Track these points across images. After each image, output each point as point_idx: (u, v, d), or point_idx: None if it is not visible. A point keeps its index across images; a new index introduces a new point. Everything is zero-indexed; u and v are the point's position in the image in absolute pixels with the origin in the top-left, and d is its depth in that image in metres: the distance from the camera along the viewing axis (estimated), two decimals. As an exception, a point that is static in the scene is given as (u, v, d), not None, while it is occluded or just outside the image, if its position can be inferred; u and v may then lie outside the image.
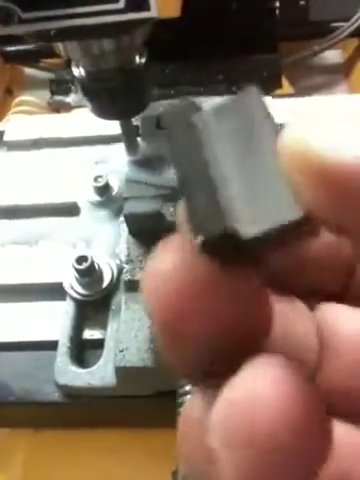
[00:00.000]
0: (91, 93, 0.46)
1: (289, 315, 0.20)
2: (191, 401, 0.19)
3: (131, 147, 0.53)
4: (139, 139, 0.54)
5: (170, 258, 0.17)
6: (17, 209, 0.65)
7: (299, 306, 0.20)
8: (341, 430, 0.19)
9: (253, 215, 0.16)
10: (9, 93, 1.03)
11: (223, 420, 0.15)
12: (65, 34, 0.38)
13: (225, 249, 0.16)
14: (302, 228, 0.16)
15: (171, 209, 0.51)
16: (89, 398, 0.51)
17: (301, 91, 1.10)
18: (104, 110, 0.47)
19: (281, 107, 0.69)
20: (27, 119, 0.75)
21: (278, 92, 0.88)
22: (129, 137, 0.52)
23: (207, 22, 0.89)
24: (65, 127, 0.72)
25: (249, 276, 0.17)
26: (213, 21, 0.90)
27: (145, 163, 0.53)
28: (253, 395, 0.15)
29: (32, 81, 1.04)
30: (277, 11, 0.93)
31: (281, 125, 0.16)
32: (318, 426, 0.16)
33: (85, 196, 0.62)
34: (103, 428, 0.55)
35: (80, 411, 0.54)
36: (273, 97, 0.85)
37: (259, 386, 0.15)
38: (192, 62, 0.87)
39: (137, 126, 0.55)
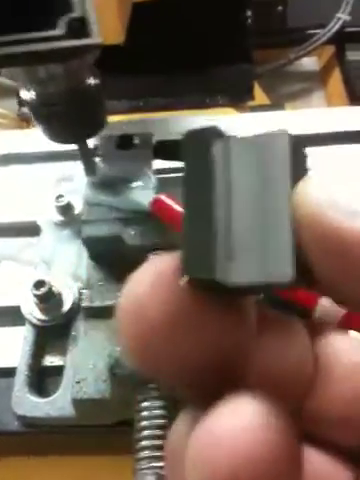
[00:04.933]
0: (42, 117, 0.44)
1: (279, 342, 0.19)
2: (180, 418, 0.20)
3: (89, 168, 0.51)
4: (98, 160, 0.53)
5: (148, 281, 0.17)
6: (-21, 229, 0.64)
7: (296, 332, 0.20)
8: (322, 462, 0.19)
9: (246, 264, 0.16)
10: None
11: (194, 450, 0.17)
12: (5, 61, 0.36)
13: (210, 287, 0.17)
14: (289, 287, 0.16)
15: (131, 232, 0.50)
16: (49, 427, 0.50)
17: (277, 99, 1.09)
18: (57, 134, 0.46)
19: (256, 121, 0.68)
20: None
21: (253, 103, 0.86)
22: (86, 158, 0.51)
23: (178, 32, 0.88)
24: (31, 142, 0.70)
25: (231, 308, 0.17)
26: (184, 31, 0.88)
27: (105, 185, 0.52)
28: (222, 433, 0.16)
29: (3, 89, 1.02)
30: (249, 21, 0.92)
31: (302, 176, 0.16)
32: (288, 469, 0.17)
33: (47, 215, 0.61)
34: (65, 455, 0.53)
35: (41, 439, 0.53)
36: (247, 109, 0.84)
37: (230, 425, 0.16)
38: (163, 73, 0.85)
39: (96, 146, 0.53)
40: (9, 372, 0.52)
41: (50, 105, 0.42)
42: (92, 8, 0.34)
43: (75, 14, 0.34)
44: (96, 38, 0.35)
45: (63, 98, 0.42)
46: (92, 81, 0.44)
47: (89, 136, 0.47)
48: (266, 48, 1.17)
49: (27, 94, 0.43)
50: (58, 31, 0.34)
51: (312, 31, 1.17)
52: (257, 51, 1.01)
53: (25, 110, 0.82)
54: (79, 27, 0.34)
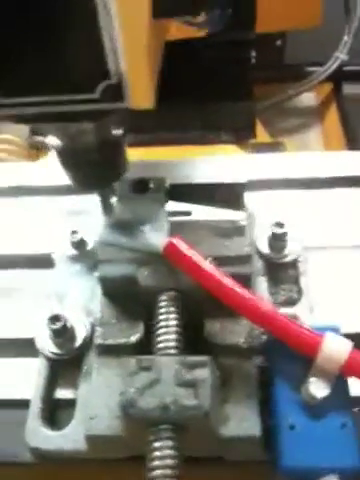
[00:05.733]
0: (70, 165, 0.47)
1: None
2: None
3: (107, 210, 0.54)
4: (115, 201, 0.55)
5: None
6: (-9, 260, 0.65)
7: None
8: None
9: None
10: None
11: None
12: (41, 118, 0.39)
13: None
14: None
15: (145, 273, 0.52)
16: (61, 460, 0.52)
17: (275, 134, 1.13)
18: (82, 180, 0.48)
19: (257, 162, 0.71)
20: (4, 166, 0.76)
21: (254, 141, 0.89)
22: (105, 201, 0.53)
23: (182, 68, 0.91)
24: (42, 175, 0.73)
25: None
26: (188, 67, 0.91)
27: (119, 226, 0.54)
28: None
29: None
30: (253, 60, 0.95)
31: None
32: None
33: (60, 249, 0.63)
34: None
35: (52, 470, 0.54)
36: (248, 146, 0.87)
37: None
38: (166, 108, 0.88)
39: (113, 189, 0.56)
40: (20, 403, 0.54)
41: (78, 155, 0.45)
42: (126, 75, 0.37)
43: (112, 81, 0.36)
44: (128, 103, 0.37)
45: (91, 149, 0.44)
46: (117, 132, 0.46)
47: (111, 182, 0.50)
48: (263, 83, 1.21)
49: (56, 142, 0.46)
50: (95, 95, 0.37)
51: (310, 68, 1.21)
52: (255, 86, 1.04)
53: (36, 138, 0.84)
54: (114, 93, 0.37)
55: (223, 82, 0.93)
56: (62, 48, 0.37)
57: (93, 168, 0.47)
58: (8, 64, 0.37)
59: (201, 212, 0.57)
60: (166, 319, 0.50)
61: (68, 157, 0.45)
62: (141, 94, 0.37)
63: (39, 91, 0.38)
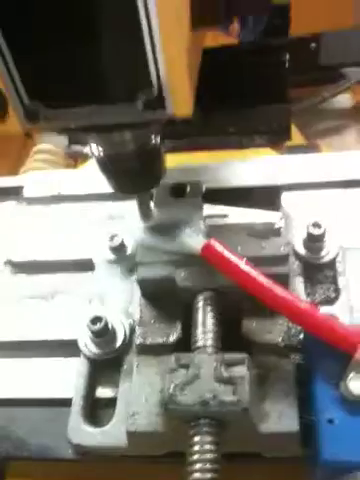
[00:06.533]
0: (109, 172, 0.48)
1: None
2: None
3: (145, 214, 0.55)
4: (152, 205, 0.57)
5: None
6: (34, 264, 0.68)
7: None
8: None
9: None
10: (28, 136, 1.06)
11: None
12: (85, 128, 0.40)
13: None
14: None
15: (182, 274, 0.54)
16: (102, 456, 0.53)
17: (312, 136, 1.13)
18: (121, 186, 0.50)
19: (293, 164, 0.72)
20: (45, 174, 0.78)
21: (288, 144, 0.90)
22: (143, 206, 0.55)
23: (217, 73, 0.92)
24: (82, 182, 0.75)
25: None
26: (223, 72, 0.92)
27: (158, 229, 0.55)
28: None
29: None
30: (287, 63, 0.96)
31: None
32: None
33: (100, 253, 0.65)
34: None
35: (93, 467, 0.56)
36: (283, 149, 0.87)
37: None
38: (202, 113, 0.89)
39: (151, 194, 0.57)
40: (63, 402, 0.56)
41: (118, 162, 0.47)
42: (167, 84, 0.38)
43: (154, 92, 0.38)
44: (170, 111, 0.39)
45: (131, 157, 0.46)
46: (156, 140, 0.48)
47: (149, 188, 0.51)
48: (299, 85, 1.21)
49: (96, 150, 0.47)
50: (137, 106, 0.38)
51: (345, 69, 1.21)
52: (290, 89, 1.04)
53: (74, 148, 0.87)
54: (156, 102, 0.38)
55: (258, 87, 0.94)
56: (106, 60, 0.38)
57: (132, 174, 0.48)
58: (53, 76, 0.39)
59: (237, 214, 0.58)
60: (204, 319, 0.51)
61: (108, 164, 0.47)
62: (182, 102, 0.39)
63: (82, 103, 0.39)
